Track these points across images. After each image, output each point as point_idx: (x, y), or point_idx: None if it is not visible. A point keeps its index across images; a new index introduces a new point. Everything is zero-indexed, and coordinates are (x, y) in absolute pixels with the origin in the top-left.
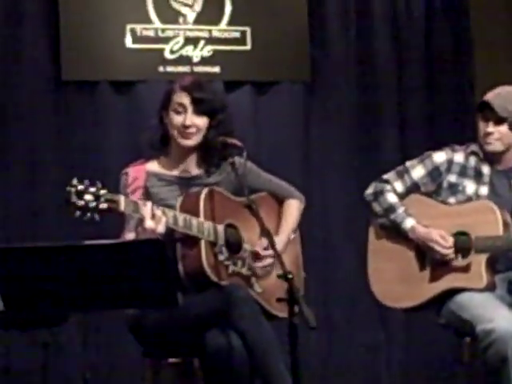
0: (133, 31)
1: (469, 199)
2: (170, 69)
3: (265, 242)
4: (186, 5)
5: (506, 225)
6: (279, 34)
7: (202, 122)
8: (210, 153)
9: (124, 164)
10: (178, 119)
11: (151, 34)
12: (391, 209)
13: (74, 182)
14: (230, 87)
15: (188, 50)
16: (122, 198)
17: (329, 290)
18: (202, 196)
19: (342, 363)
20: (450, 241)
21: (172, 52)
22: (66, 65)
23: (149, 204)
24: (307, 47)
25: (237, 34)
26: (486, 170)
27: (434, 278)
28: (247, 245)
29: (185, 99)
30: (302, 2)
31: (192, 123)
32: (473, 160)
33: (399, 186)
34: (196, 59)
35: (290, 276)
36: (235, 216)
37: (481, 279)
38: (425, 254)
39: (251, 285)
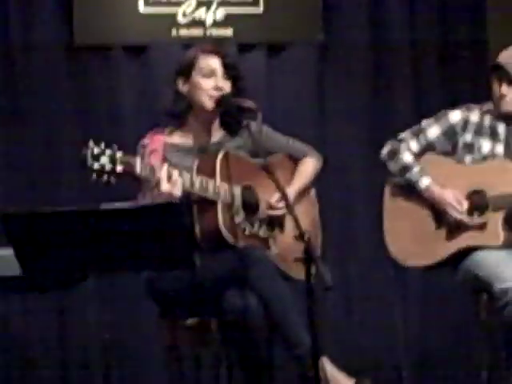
0: None
1: (485, 158)
2: (182, 32)
3: (277, 195)
4: None
5: None
6: None
7: (228, 86)
8: (231, 117)
9: (139, 129)
10: (208, 82)
11: None
12: (406, 168)
13: (91, 144)
14: (243, 50)
15: (201, 13)
16: (138, 161)
17: (346, 250)
18: (218, 159)
19: (359, 322)
20: (465, 204)
21: (184, 15)
22: (78, 29)
23: (165, 167)
24: (320, 8)
25: None
26: (501, 128)
27: (450, 237)
28: (264, 206)
29: (215, 63)
30: None
31: (223, 85)
32: (488, 119)
33: (414, 145)
34: (209, 22)
35: (307, 236)
36: (252, 178)
37: (497, 237)
38: (441, 213)
39: (268, 246)
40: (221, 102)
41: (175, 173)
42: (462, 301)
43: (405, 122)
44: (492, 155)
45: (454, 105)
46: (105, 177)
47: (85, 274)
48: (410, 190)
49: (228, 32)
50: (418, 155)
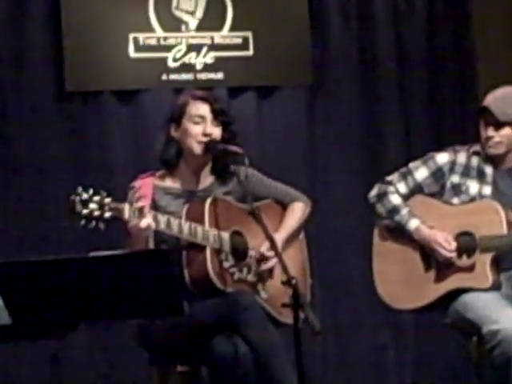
0: (135, 40)
1: (472, 199)
2: (173, 77)
3: (267, 244)
4: (187, 12)
5: (510, 224)
6: (281, 39)
7: (217, 132)
8: (220, 163)
9: (129, 174)
10: (197, 128)
11: (154, 42)
12: (395, 210)
13: (79, 190)
14: (233, 93)
15: (191, 58)
16: (126, 207)
17: (336, 295)
18: (207, 204)
19: (350, 367)
20: (453, 244)
21: (175, 60)
22: (69, 76)
23: (151, 214)
24: (309, 50)
25: (239, 40)
26: (488, 169)
27: (439, 279)
28: (253, 252)
29: (204, 109)
30: (303, 6)
31: (211, 132)
32: (475, 160)
33: (402, 188)
34: (199, 66)
35: (294, 281)
36: (240, 223)
37: (486, 279)
38: (430, 255)
39: (257, 291)
40: (208, 147)
41: (149, 216)
42: (454, 342)
43: (394, 164)
44: (480, 197)
45: (441, 146)
46: (93, 222)
47: (75, 323)
48: (399, 233)
49: (218, 76)
50: (406, 197)
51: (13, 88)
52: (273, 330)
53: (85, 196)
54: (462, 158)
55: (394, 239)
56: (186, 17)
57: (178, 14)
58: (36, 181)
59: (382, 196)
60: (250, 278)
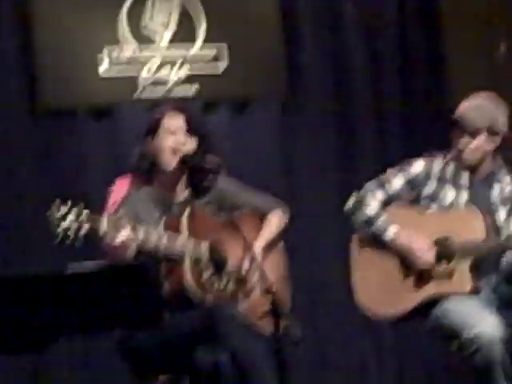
0: (109, 56)
1: (449, 206)
2: (147, 91)
3: (246, 262)
4: (161, 24)
5: (487, 229)
6: (254, 53)
7: (192, 144)
8: (197, 175)
9: (104, 190)
10: (171, 140)
11: (127, 57)
12: (371, 221)
13: (57, 203)
14: (207, 107)
15: (164, 72)
16: (104, 220)
17: (314, 304)
18: (185, 215)
19: (331, 374)
20: (431, 252)
21: (148, 74)
22: (41, 94)
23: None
24: (283, 65)
25: (212, 53)
26: (464, 176)
27: (418, 286)
28: (232, 262)
29: (178, 121)
30: (276, 19)
31: (184, 143)
32: (451, 167)
33: (379, 196)
34: (172, 81)
35: (273, 290)
36: (219, 234)
37: (465, 284)
38: (408, 261)
39: (237, 301)
40: (185, 160)
41: (127, 227)
42: (435, 349)
43: (370, 174)
44: (456, 203)
45: (417, 154)
46: (71, 235)
47: (54, 337)
48: (377, 241)
49: (192, 90)
50: (383, 205)
51: None
52: (253, 340)
53: (63, 209)
54: (438, 165)
55: (371, 248)
56: (159, 30)
57: (151, 26)
58: (10, 200)
59: (358, 207)
60: (229, 288)
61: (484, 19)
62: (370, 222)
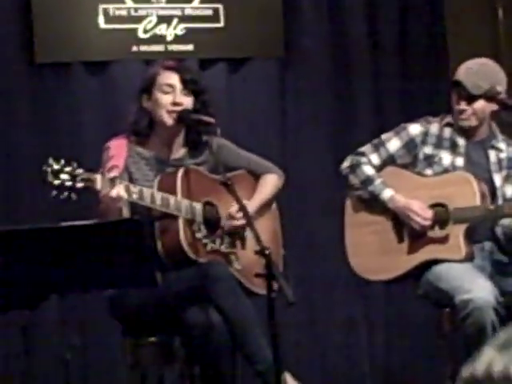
0: (105, 11)
1: (445, 170)
2: (143, 48)
3: (240, 223)
4: None
5: (482, 195)
6: (252, 10)
7: (188, 101)
8: (193, 133)
9: (99, 145)
10: (166, 98)
11: (124, 13)
12: (368, 180)
13: (50, 161)
14: (204, 65)
15: (161, 29)
16: (98, 177)
17: (308, 266)
18: (179, 175)
19: (322, 338)
20: (429, 212)
21: (145, 31)
22: (39, 47)
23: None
24: (281, 23)
25: (209, 12)
26: (461, 141)
27: (412, 250)
28: (225, 222)
29: (173, 79)
30: None
31: (181, 101)
32: (448, 131)
33: (375, 159)
34: (169, 38)
35: (268, 251)
36: (213, 194)
37: (459, 250)
38: (403, 226)
39: (230, 262)
40: (180, 117)
41: (121, 187)
42: (425, 314)
43: (366, 136)
44: (452, 168)
45: (413, 118)
46: (65, 193)
47: (46, 294)
48: (372, 204)
49: (189, 47)
50: (379, 168)
51: None
52: (246, 301)
53: (56, 167)
54: (434, 129)
55: (366, 210)
56: None
57: None
58: (5, 152)
59: (355, 167)
60: (223, 248)
61: None
62: (367, 181)
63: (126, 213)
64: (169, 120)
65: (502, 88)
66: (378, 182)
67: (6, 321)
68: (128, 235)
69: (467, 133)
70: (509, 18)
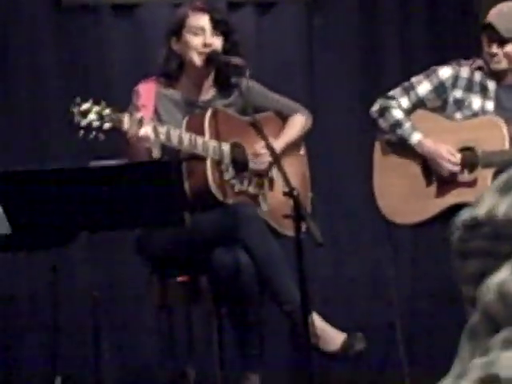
0: None
1: (475, 114)
2: None
3: (263, 143)
4: None
5: None
6: None
7: (219, 42)
8: (222, 74)
9: (127, 89)
10: (197, 40)
11: None
12: (398, 124)
13: (78, 100)
14: (231, 8)
15: None
16: (126, 117)
17: (336, 208)
18: (207, 116)
19: (349, 280)
20: (458, 157)
21: None
22: None
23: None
24: None
25: None
26: (491, 85)
27: (440, 193)
28: (253, 163)
29: (203, 20)
30: None
31: (211, 42)
32: (478, 75)
33: (405, 102)
34: None
35: (296, 193)
36: (241, 135)
37: None
38: (431, 170)
39: (258, 203)
40: (210, 58)
41: (148, 127)
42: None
43: (394, 80)
44: (482, 112)
45: (442, 62)
46: (92, 133)
47: (75, 232)
48: (401, 147)
49: None
50: (409, 112)
51: (9, 4)
52: (274, 241)
53: (84, 106)
54: (464, 72)
55: (395, 154)
56: None
57: None
58: (33, 95)
59: (384, 110)
60: (251, 189)
61: None
62: (396, 125)
63: (156, 154)
64: (199, 61)
65: None
66: (406, 125)
67: (34, 261)
68: (157, 176)
69: (498, 76)
70: None
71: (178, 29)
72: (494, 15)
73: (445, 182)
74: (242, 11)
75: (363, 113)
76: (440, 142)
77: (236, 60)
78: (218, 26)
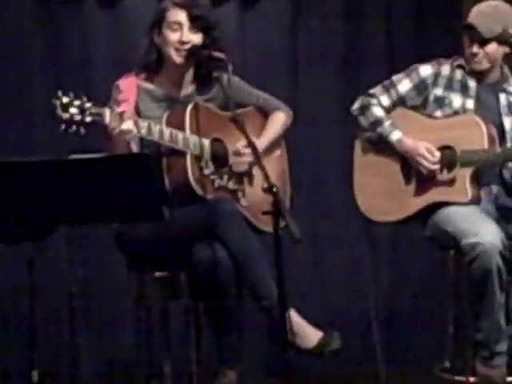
0: None
1: (455, 113)
2: None
3: (244, 141)
4: None
5: (491, 139)
6: None
7: (197, 38)
8: (201, 69)
9: (110, 80)
10: (174, 36)
11: None
12: (378, 122)
13: (59, 94)
14: (216, 2)
15: None
16: (107, 111)
17: (316, 205)
18: (188, 111)
19: (327, 277)
20: (437, 155)
21: None
22: None
23: (131, 120)
24: None
25: None
26: (472, 83)
27: (419, 192)
28: (233, 159)
29: (181, 16)
30: None
31: (188, 39)
32: (459, 73)
33: (385, 100)
34: None
35: (275, 189)
36: (221, 130)
37: (466, 193)
38: (410, 168)
39: (237, 199)
40: (191, 53)
41: (129, 121)
42: (430, 256)
43: (376, 77)
44: (463, 110)
45: (425, 60)
46: (74, 127)
47: (53, 225)
48: (381, 145)
49: None
50: (389, 110)
51: None
52: (252, 237)
53: (65, 100)
54: (445, 70)
55: (375, 152)
56: None
57: None
58: (17, 85)
59: (365, 108)
60: (231, 185)
61: None
62: (376, 123)
63: (134, 149)
64: (177, 58)
65: None
66: (386, 123)
67: (11, 254)
68: (136, 169)
69: (478, 75)
70: None
71: (158, 22)
72: (475, 15)
73: (424, 181)
74: (226, 6)
75: (345, 110)
76: (420, 141)
77: (218, 54)
78: (197, 21)
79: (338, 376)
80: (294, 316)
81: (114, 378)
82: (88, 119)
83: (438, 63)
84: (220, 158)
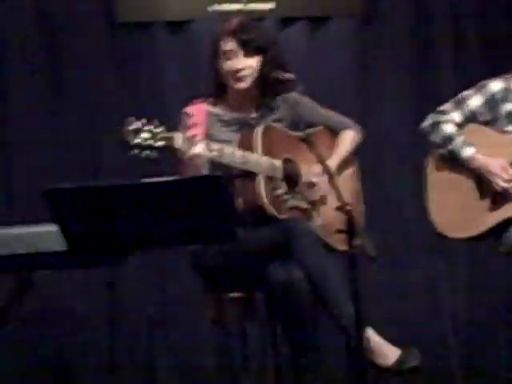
0: None
1: None
2: (222, 7)
3: (317, 167)
4: None
5: None
6: None
7: (253, 61)
8: (267, 91)
9: (179, 104)
10: (229, 65)
11: None
12: (449, 139)
13: (130, 119)
14: (283, 24)
15: None
16: (178, 135)
17: (387, 224)
18: (259, 132)
19: (403, 293)
20: (510, 173)
21: None
22: (121, 6)
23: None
24: None
25: None
26: None
27: (493, 207)
28: (305, 179)
29: (232, 44)
30: None
31: (244, 66)
32: None
33: (457, 116)
34: None
35: (349, 207)
36: (292, 150)
37: None
38: (485, 183)
39: (310, 218)
40: (260, 79)
41: (201, 145)
42: (509, 271)
43: (447, 95)
44: None
45: (495, 74)
46: (144, 152)
47: (129, 250)
48: (453, 162)
49: (268, 5)
50: (460, 126)
51: (65, 19)
52: (327, 256)
53: (136, 125)
54: None
55: (448, 168)
56: None
57: None
58: (87, 111)
59: (436, 125)
60: (304, 204)
61: None
62: (447, 140)
63: (205, 172)
64: (237, 85)
65: None
66: (458, 140)
67: (90, 277)
68: (208, 191)
69: None
70: None
71: (214, 52)
72: None
73: (499, 195)
74: (294, 27)
75: (415, 128)
76: (493, 156)
77: (287, 76)
78: (249, 45)
79: None
80: (372, 334)
81: None
82: (159, 144)
83: (508, 78)
84: (292, 178)
